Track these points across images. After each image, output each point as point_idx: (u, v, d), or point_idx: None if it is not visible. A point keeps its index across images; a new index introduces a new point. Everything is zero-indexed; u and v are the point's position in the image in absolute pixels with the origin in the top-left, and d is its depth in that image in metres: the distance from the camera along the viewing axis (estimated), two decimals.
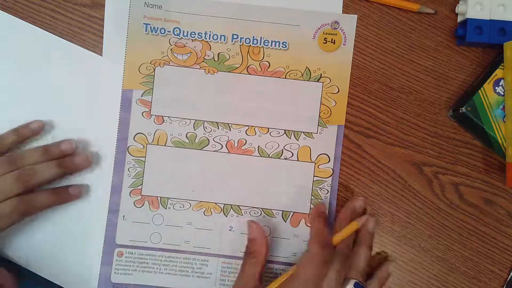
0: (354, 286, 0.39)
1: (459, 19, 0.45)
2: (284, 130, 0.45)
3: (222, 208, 0.45)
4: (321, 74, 0.45)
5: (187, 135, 0.45)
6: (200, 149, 0.45)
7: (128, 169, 0.45)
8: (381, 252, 0.46)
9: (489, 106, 0.42)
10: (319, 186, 0.45)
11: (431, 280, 0.45)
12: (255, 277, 0.41)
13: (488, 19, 0.43)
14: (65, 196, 0.43)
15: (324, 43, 0.45)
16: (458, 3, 0.44)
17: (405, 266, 0.45)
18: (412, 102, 0.45)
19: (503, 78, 0.42)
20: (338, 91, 0.45)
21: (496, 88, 0.42)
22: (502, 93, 0.42)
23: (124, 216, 0.45)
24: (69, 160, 0.43)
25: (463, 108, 0.42)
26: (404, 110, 0.45)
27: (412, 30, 0.45)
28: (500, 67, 0.42)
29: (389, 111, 0.45)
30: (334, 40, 0.45)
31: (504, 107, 0.42)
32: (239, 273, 0.42)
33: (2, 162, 0.41)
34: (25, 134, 0.43)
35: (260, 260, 0.42)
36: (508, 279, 0.45)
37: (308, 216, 0.45)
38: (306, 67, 0.45)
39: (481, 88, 0.42)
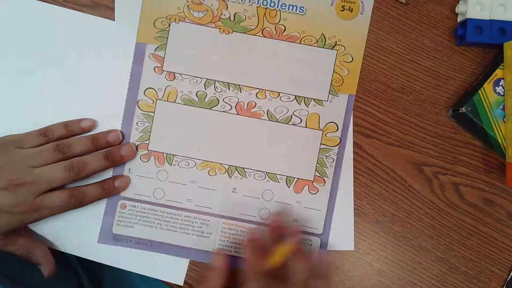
0: None
1: (459, 19, 0.45)
2: (295, 95, 0.45)
3: (226, 169, 0.45)
4: (336, 41, 0.45)
5: (197, 94, 0.45)
6: (209, 109, 0.45)
7: (137, 123, 0.45)
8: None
9: (489, 106, 0.42)
10: (325, 154, 0.45)
11: (431, 280, 0.45)
12: None
13: (488, 19, 0.43)
14: (112, 189, 0.44)
15: (341, 10, 0.45)
16: (458, 3, 0.44)
17: (405, 266, 0.45)
18: (412, 102, 0.45)
19: (503, 78, 0.42)
20: (352, 60, 0.45)
21: (496, 88, 0.42)
22: (502, 93, 0.42)
23: (130, 169, 0.45)
24: (116, 152, 0.43)
25: (463, 108, 0.42)
26: (404, 110, 0.45)
27: (412, 30, 0.45)
28: (500, 67, 0.42)
29: (389, 111, 0.45)
30: (352, 8, 0.45)
31: (504, 107, 0.42)
32: None
33: (51, 150, 0.41)
34: (75, 131, 0.44)
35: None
36: (508, 279, 0.45)
37: (312, 183, 0.45)
38: (322, 33, 0.45)
39: (481, 88, 0.42)
